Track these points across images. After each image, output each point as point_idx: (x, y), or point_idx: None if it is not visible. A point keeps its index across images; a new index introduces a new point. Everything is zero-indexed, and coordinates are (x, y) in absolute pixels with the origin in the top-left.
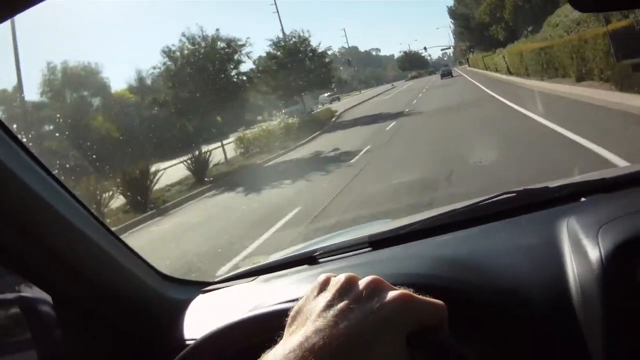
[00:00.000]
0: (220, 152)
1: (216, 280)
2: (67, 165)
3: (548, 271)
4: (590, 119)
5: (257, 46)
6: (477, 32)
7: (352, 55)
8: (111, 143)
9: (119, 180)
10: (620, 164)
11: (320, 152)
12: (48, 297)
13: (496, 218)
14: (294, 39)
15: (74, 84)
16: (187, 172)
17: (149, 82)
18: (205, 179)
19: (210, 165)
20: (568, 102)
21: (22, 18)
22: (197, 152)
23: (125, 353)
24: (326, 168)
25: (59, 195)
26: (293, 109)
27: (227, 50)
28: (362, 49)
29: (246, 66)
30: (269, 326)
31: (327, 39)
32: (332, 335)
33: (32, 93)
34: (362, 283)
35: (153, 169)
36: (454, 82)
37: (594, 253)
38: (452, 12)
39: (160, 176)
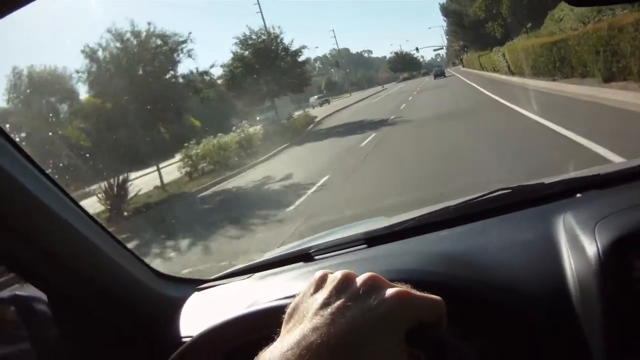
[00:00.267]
0: (165, 172)
1: (212, 277)
2: None
3: (545, 266)
4: None
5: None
6: (471, 30)
7: (343, 57)
8: None
9: None
10: None
11: (267, 180)
12: (43, 296)
13: (492, 214)
14: (263, 37)
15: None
16: (101, 206)
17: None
18: (125, 213)
19: (140, 192)
20: (599, 108)
21: None
22: (115, 179)
23: (122, 351)
24: (252, 220)
25: (54, 195)
26: (269, 115)
27: (164, 48)
28: (353, 50)
29: (187, 66)
30: (265, 323)
31: (317, 41)
32: (329, 333)
33: None
34: (359, 280)
35: None
36: (447, 83)
37: (591, 249)
38: (445, 9)
39: None
